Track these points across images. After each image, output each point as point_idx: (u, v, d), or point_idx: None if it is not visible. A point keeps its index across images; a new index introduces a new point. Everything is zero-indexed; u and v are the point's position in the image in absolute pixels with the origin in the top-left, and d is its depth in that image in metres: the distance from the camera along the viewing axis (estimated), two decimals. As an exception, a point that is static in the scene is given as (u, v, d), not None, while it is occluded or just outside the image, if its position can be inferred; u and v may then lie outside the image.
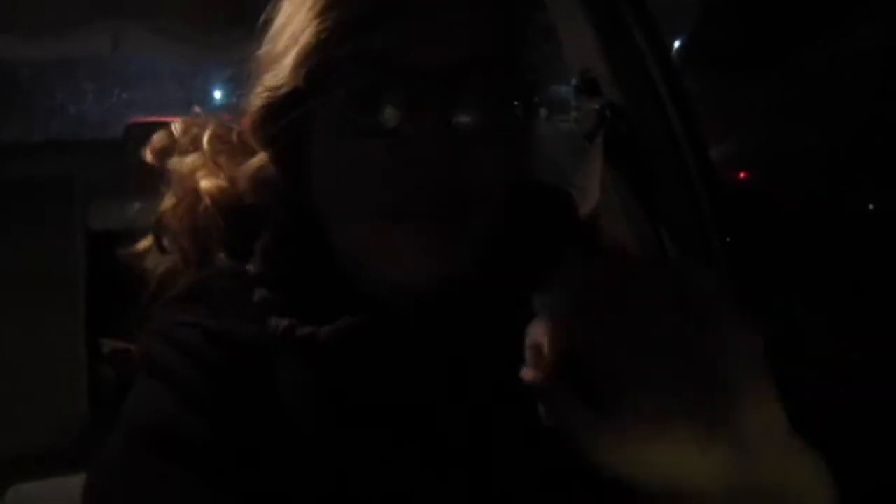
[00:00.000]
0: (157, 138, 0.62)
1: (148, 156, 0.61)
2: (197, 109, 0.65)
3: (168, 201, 0.60)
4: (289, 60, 0.51)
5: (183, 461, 0.48)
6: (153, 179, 0.62)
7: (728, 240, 1.11)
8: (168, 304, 0.57)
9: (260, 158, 0.56)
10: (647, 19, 1.10)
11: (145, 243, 0.61)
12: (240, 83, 0.57)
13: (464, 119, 0.48)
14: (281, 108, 0.52)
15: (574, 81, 1.17)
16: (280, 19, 0.54)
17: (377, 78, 0.48)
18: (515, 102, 0.51)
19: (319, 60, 0.49)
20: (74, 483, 0.85)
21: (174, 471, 0.48)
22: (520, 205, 0.55)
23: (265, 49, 0.55)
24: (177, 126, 0.62)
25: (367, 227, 0.50)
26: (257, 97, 0.54)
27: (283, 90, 0.51)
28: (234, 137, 0.61)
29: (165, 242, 0.59)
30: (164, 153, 0.61)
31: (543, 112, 0.55)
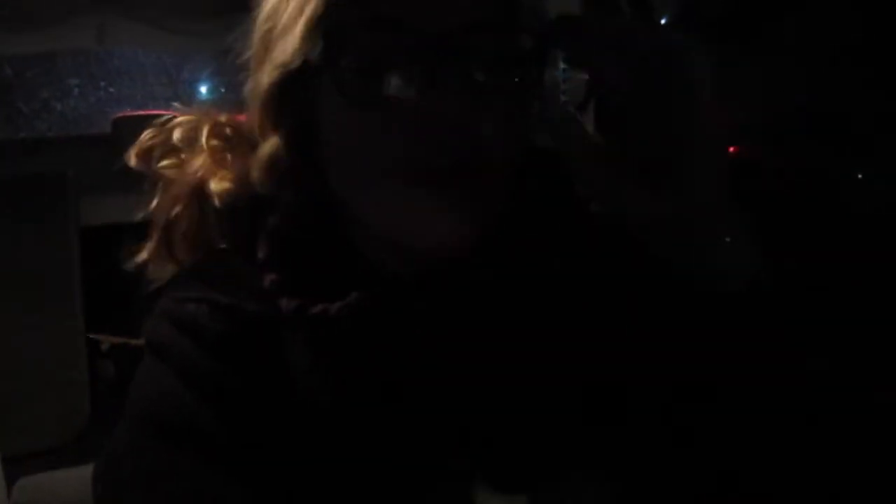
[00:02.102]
0: (143, 140, 0.60)
1: (133, 159, 0.59)
2: (177, 105, 0.63)
3: (170, 208, 0.58)
4: (297, 32, 0.50)
5: (188, 446, 0.48)
6: (143, 173, 0.61)
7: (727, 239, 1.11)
8: (174, 281, 0.56)
9: (271, 144, 0.55)
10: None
11: (147, 251, 0.59)
12: (227, 75, 0.56)
13: (480, 78, 0.49)
14: (292, 84, 0.51)
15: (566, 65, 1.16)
16: None
17: (392, 42, 0.48)
18: (525, 64, 0.51)
19: (331, 29, 0.49)
20: (79, 475, 0.86)
21: (180, 457, 0.48)
22: (528, 168, 0.55)
23: (267, 26, 0.53)
24: (177, 135, 0.60)
25: (389, 194, 0.50)
26: (267, 75, 0.52)
27: (294, 64, 0.50)
28: (228, 131, 0.60)
29: (176, 249, 0.58)
30: (151, 154, 0.59)
31: (550, 72, 0.55)
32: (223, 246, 0.57)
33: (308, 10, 0.49)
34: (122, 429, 0.51)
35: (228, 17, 0.58)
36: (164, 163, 0.59)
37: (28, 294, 2.02)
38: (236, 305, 0.53)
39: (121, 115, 2.91)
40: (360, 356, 0.52)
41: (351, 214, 0.54)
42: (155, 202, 0.59)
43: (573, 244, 0.58)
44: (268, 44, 0.53)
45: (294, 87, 0.51)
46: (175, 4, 2.71)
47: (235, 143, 0.59)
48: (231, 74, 0.58)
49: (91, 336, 2.22)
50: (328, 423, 0.51)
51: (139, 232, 0.60)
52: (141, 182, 0.60)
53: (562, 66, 0.53)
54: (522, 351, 0.53)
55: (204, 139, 0.59)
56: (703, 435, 0.55)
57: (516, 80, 0.51)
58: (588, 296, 0.57)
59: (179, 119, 0.60)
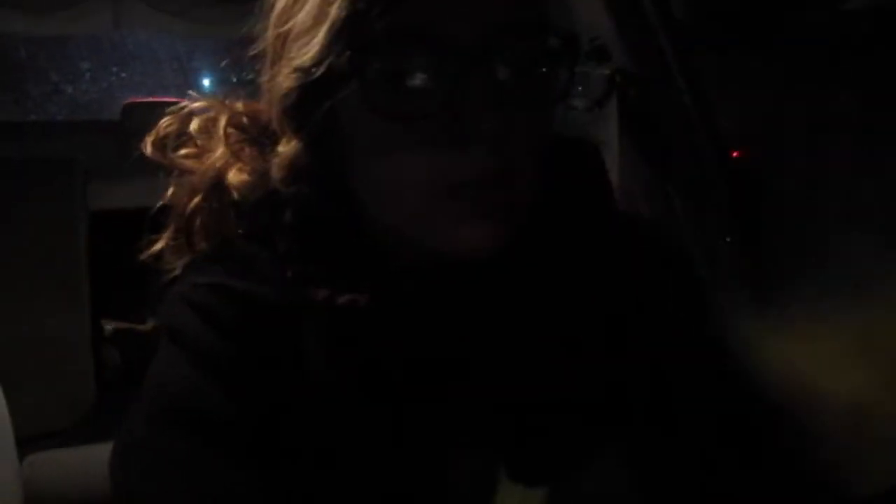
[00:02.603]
0: (160, 128, 0.59)
1: (148, 148, 0.58)
2: (192, 93, 0.61)
3: (189, 199, 0.57)
4: (319, 37, 0.47)
5: (204, 433, 0.48)
6: (153, 160, 0.61)
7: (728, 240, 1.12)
8: (190, 267, 0.56)
9: (292, 147, 0.53)
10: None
11: (164, 242, 0.58)
12: (237, 65, 0.56)
13: (509, 85, 0.48)
14: (314, 90, 0.49)
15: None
16: None
17: (420, 52, 0.47)
18: (555, 70, 0.50)
19: (357, 38, 0.46)
20: (87, 453, 0.88)
21: (195, 444, 0.48)
22: (552, 160, 0.54)
23: (282, 24, 0.51)
24: (194, 126, 0.59)
25: (419, 204, 0.49)
26: (286, 79, 0.50)
27: (316, 70, 0.48)
28: (246, 121, 0.59)
29: (196, 240, 0.57)
30: (167, 143, 0.59)
31: (574, 73, 0.54)
32: (244, 232, 0.56)
33: (332, 14, 0.47)
34: (137, 413, 0.51)
35: (241, 4, 0.57)
36: (182, 152, 0.58)
37: (35, 278, 2.02)
38: (253, 291, 0.52)
39: (131, 100, 2.92)
40: (383, 347, 0.52)
41: (373, 217, 0.53)
42: (171, 191, 0.58)
43: (601, 236, 0.58)
44: (284, 42, 0.51)
45: (315, 92, 0.49)
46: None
47: (254, 135, 0.58)
48: (242, 63, 0.58)
49: (97, 321, 2.23)
50: (346, 412, 0.51)
51: (148, 218, 0.59)
52: (150, 169, 0.60)
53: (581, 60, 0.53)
54: (547, 344, 0.54)
55: (221, 130, 0.58)
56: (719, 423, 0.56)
57: (546, 83, 0.50)
58: (612, 291, 0.57)
59: (196, 108, 0.59)
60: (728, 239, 1.15)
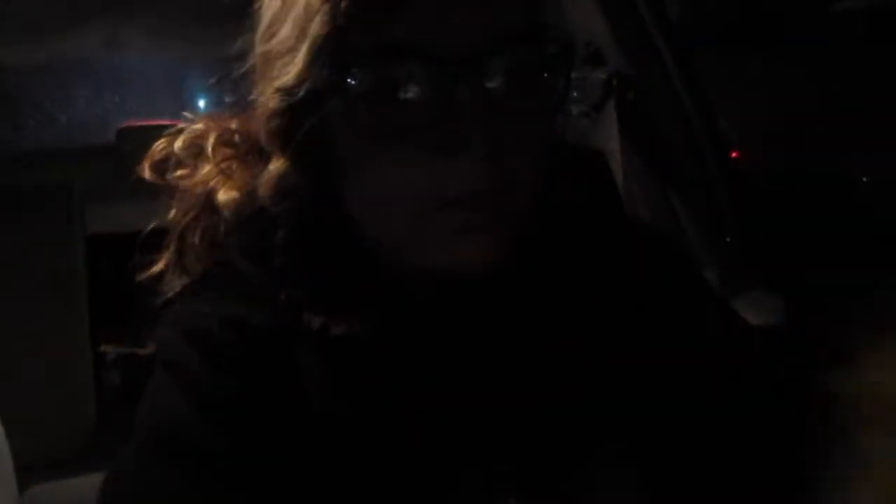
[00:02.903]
0: (155, 151, 0.58)
1: (146, 172, 0.58)
2: (187, 115, 0.61)
3: (182, 218, 0.57)
4: (301, 56, 0.47)
5: (192, 467, 0.47)
6: (147, 181, 0.60)
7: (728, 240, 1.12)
8: (183, 293, 0.55)
9: (279, 166, 0.53)
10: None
11: (161, 264, 0.58)
12: (228, 85, 0.56)
13: (503, 102, 0.46)
14: (299, 109, 0.48)
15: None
16: (272, 9, 0.50)
17: (405, 68, 0.45)
18: (551, 79, 0.49)
19: (337, 53, 0.45)
20: (88, 483, 0.87)
21: (183, 478, 0.47)
22: (556, 172, 0.53)
23: (265, 42, 0.51)
24: (179, 144, 0.58)
25: (411, 221, 0.48)
26: (270, 99, 0.49)
27: (300, 90, 0.47)
28: (237, 138, 0.58)
29: (188, 262, 0.56)
30: (163, 166, 0.58)
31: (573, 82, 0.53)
32: (236, 254, 0.55)
33: (312, 32, 0.46)
34: (130, 443, 0.50)
35: (234, 24, 0.57)
36: (178, 173, 0.58)
37: (34, 303, 2.02)
38: (247, 318, 0.51)
39: (125, 125, 2.93)
40: (381, 374, 0.50)
41: (367, 234, 0.52)
42: (172, 213, 0.58)
43: (610, 248, 0.57)
44: (267, 61, 0.50)
45: (300, 111, 0.48)
46: (180, 11, 2.73)
47: (244, 152, 0.57)
48: (239, 79, 0.58)
49: (97, 345, 2.23)
50: (346, 440, 0.50)
51: (145, 241, 0.59)
52: (146, 191, 0.60)
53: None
54: (556, 361, 0.53)
55: (210, 148, 0.57)
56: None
57: (542, 91, 0.49)
58: (622, 304, 0.56)
59: (188, 128, 0.59)
60: (728, 239, 1.14)
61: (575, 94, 1.13)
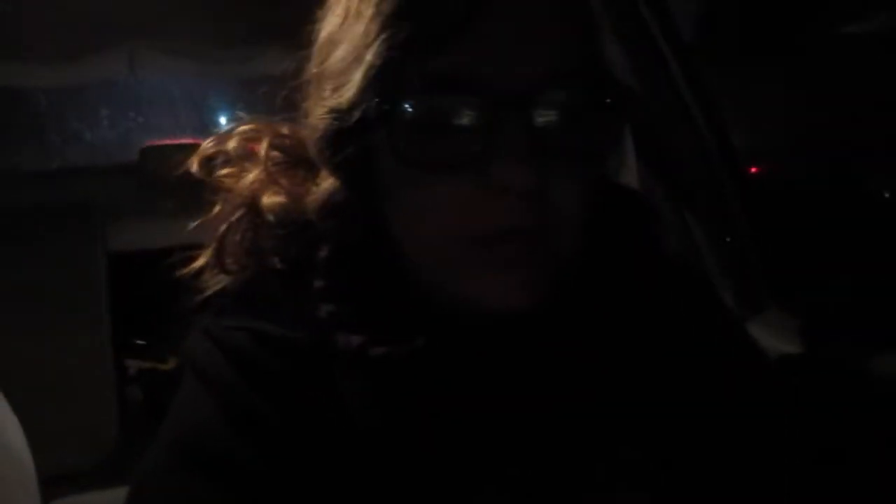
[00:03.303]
0: (204, 148, 0.58)
1: (194, 167, 0.58)
2: (212, 131, 0.61)
3: (225, 218, 0.56)
4: (355, 81, 0.47)
5: (221, 481, 0.46)
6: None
7: (728, 240, 1.11)
8: (219, 306, 0.54)
9: (330, 183, 0.53)
10: (661, 6, 1.11)
11: (201, 261, 0.57)
12: (248, 105, 0.56)
13: (550, 142, 0.46)
14: (349, 133, 0.48)
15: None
16: (330, 28, 0.50)
17: (457, 102, 0.45)
18: (602, 122, 0.48)
19: (391, 82, 0.45)
20: (110, 497, 0.88)
21: (210, 491, 0.46)
22: (602, 214, 0.53)
23: (319, 62, 0.51)
24: (231, 143, 0.58)
25: (449, 254, 0.47)
26: (321, 120, 0.50)
27: (353, 114, 0.47)
28: (288, 143, 0.58)
29: (228, 261, 0.56)
30: (212, 163, 0.58)
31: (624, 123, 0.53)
32: (276, 266, 0.55)
33: (368, 59, 0.46)
34: (155, 450, 0.49)
35: (253, 46, 0.58)
36: (223, 172, 0.58)
37: (57, 320, 2.05)
38: (283, 335, 0.50)
39: (148, 144, 2.97)
40: (418, 399, 0.49)
41: (408, 260, 0.51)
42: (216, 210, 0.58)
43: (650, 291, 0.56)
44: (320, 80, 0.51)
45: (350, 135, 0.48)
46: (201, 33, 2.78)
47: (294, 160, 0.57)
48: (255, 102, 0.58)
49: (119, 361, 2.25)
50: (380, 461, 0.49)
51: (166, 259, 0.59)
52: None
53: None
54: (582, 407, 0.52)
55: (264, 150, 0.57)
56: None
57: (591, 137, 0.48)
58: (659, 353, 0.55)
59: (240, 129, 0.59)
60: (728, 239, 1.13)
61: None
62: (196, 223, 0.58)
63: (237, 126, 0.59)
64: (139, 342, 2.32)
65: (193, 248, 0.58)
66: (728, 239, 1.12)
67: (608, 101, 0.48)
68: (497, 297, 0.48)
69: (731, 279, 1.11)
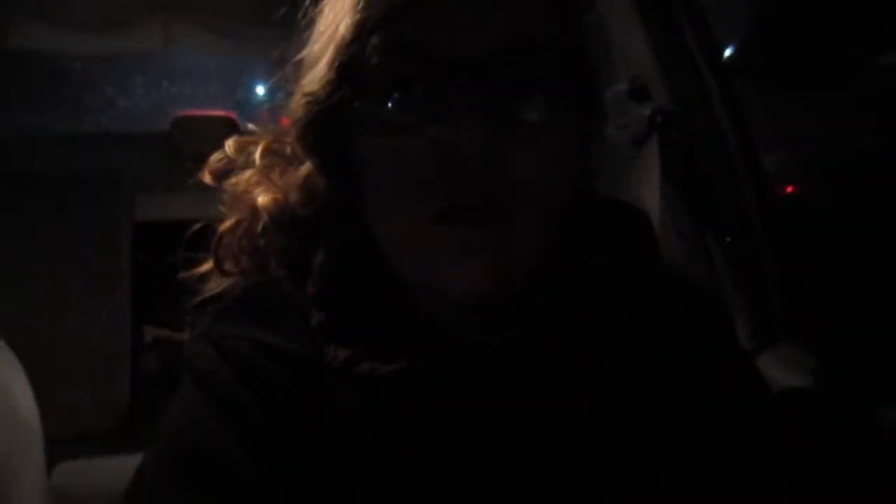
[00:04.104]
0: (215, 159, 0.60)
1: (206, 177, 0.59)
2: (247, 124, 0.63)
3: (226, 222, 0.58)
4: (324, 61, 0.49)
5: (214, 485, 0.46)
6: (198, 172, 0.62)
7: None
8: (219, 314, 0.54)
9: (307, 167, 0.54)
10: (701, 23, 1.09)
11: (206, 266, 0.58)
12: (279, 82, 0.56)
13: (507, 109, 0.45)
14: (321, 112, 0.50)
15: (623, 87, 1.16)
16: (319, 23, 0.52)
17: (413, 67, 0.46)
18: (567, 96, 0.47)
19: (353, 54, 0.47)
20: (117, 463, 0.88)
21: (203, 495, 0.45)
22: (592, 223, 0.53)
23: (304, 53, 0.53)
24: (230, 144, 0.60)
25: (411, 229, 0.48)
26: (297, 105, 0.51)
27: (321, 93, 0.49)
28: (288, 149, 0.59)
29: (227, 265, 0.57)
30: (223, 174, 0.59)
31: (604, 111, 0.52)
32: (276, 272, 0.56)
33: (336, 38, 0.48)
34: (152, 451, 0.49)
35: (286, 25, 0.58)
36: (232, 181, 0.59)
37: (78, 284, 2.07)
38: (282, 346, 0.51)
39: (180, 114, 2.99)
40: (404, 413, 0.49)
41: (385, 249, 0.51)
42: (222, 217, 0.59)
43: (643, 312, 0.55)
44: (303, 70, 0.52)
45: (322, 114, 0.50)
46: (235, 10, 2.79)
47: (290, 162, 0.58)
48: (284, 81, 0.59)
49: (137, 329, 2.28)
50: (369, 474, 0.48)
51: (196, 233, 0.60)
52: (197, 181, 0.61)
53: (620, 88, 0.50)
54: (576, 423, 0.51)
55: (257, 155, 0.58)
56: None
57: (557, 114, 0.47)
58: (656, 365, 0.54)
59: (238, 140, 0.60)
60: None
61: (618, 127, 1.12)
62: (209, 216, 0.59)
63: (234, 125, 0.61)
64: (158, 312, 2.34)
65: (219, 222, 0.59)
66: (748, 266, 1.09)
67: (570, 74, 0.48)
68: (458, 282, 0.47)
69: (747, 307, 1.08)
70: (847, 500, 0.61)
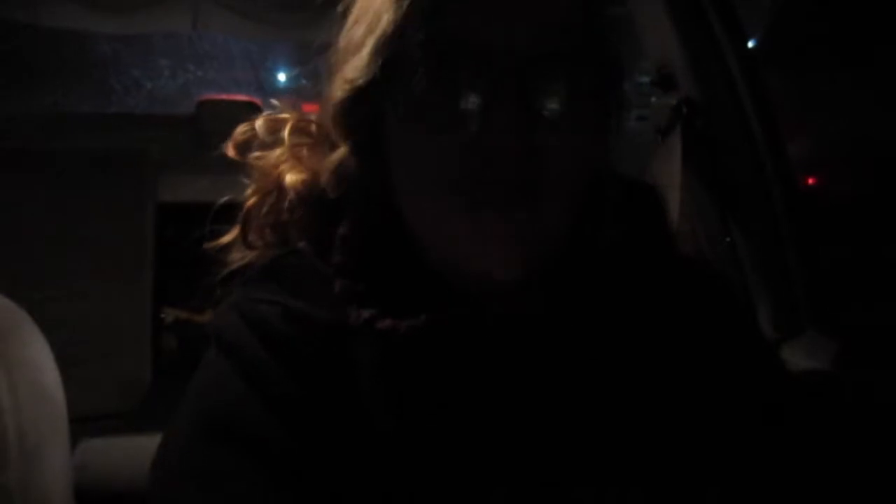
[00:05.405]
0: (240, 132, 0.61)
1: (230, 150, 0.61)
2: (274, 102, 0.64)
3: (252, 196, 0.59)
4: (367, 50, 0.49)
5: (246, 451, 0.47)
6: (222, 155, 0.62)
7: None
8: (246, 281, 0.55)
9: (341, 152, 0.55)
10: (728, 12, 1.07)
11: (229, 236, 0.60)
12: (307, 67, 0.57)
13: (544, 103, 0.47)
14: (360, 99, 0.51)
15: (645, 79, 1.15)
16: (356, 9, 0.53)
17: (454, 62, 0.47)
18: (598, 89, 0.49)
19: (397, 47, 0.48)
20: (139, 441, 0.89)
21: (236, 461, 0.47)
22: (607, 199, 0.54)
23: (343, 40, 0.54)
24: (260, 122, 0.61)
25: (446, 216, 0.49)
26: (338, 90, 0.52)
27: (361, 81, 0.50)
28: (314, 129, 0.60)
29: (251, 237, 0.58)
30: (245, 146, 0.61)
31: (626, 105, 0.53)
32: (301, 245, 0.57)
33: (378, 30, 0.49)
34: (181, 420, 0.50)
35: (312, 10, 0.58)
36: (255, 154, 0.60)
37: (102, 264, 2.09)
38: (308, 312, 0.52)
39: (205, 97, 3.02)
40: (424, 374, 0.50)
41: (418, 232, 0.53)
42: (248, 191, 0.60)
43: (660, 285, 0.56)
44: (342, 57, 0.53)
45: (362, 102, 0.51)
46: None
47: (317, 140, 0.60)
48: (315, 66, 0.59)
49: (158, 309, 2.30)
50: (389, 439, 0.49)
51: (216, 214, 0.61)
52: (220, 164, 0.62)
53: (639, 80, 0.51)
54: (589, 388, 0.52)
55: (286, 133, 0.60)
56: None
57: (588, 106, 0.49)
58: (668, 344, 0.55)
59: (267, 117, 0.62)
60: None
61: (637, 118, 1.11)
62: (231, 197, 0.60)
63: (259, 108, 0.62)
64: (179, 293, 2.37)
65: (242, 203, 0.60)
66: (773, 256, 1.07)
67: (599, 70, 0.50)
68: (488, 268, 0.49)
69: (773, 297, 1.07)
70: (864, 484, 0.61)
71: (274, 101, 0.63)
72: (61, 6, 2.80)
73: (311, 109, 0.62)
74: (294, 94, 0.64)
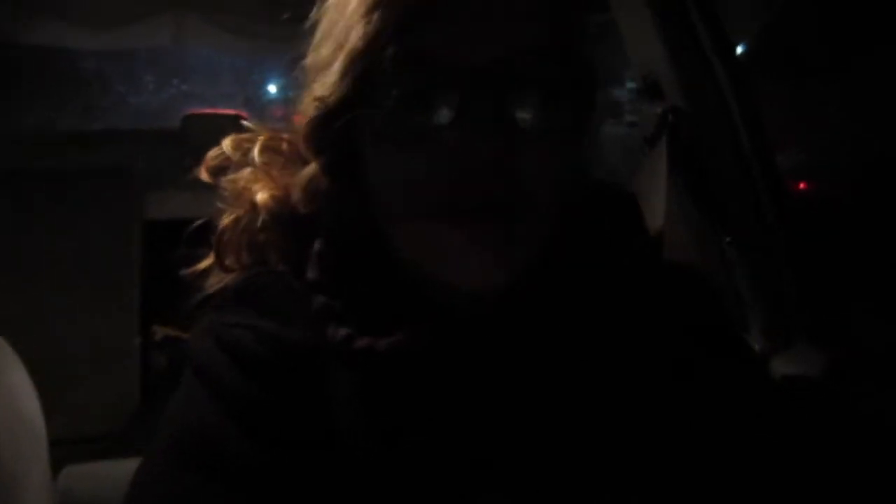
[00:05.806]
0: (211, 156, 0.61)
1: (203, 175, 0.60)
2: (248, 123, 0.63)
3: (226, 218, 0.58)
4: (336, 67, 0.49)
5: (220, 479, 0.47)
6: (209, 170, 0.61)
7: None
8: (220, 304, 0.55)
9: (311, 168, 0.55)
10: (714, 19, 1.07)
11: (207, 262, 0.59)
12: (293, 80, 0.56)
13: (517, 115, 0.47)
14: (332, 117, 0.51)
15: (634, 84, 1.15)
16: (324, 25, 0.53)
17: (426, 77, 0.47)
18: (570, 99, 0.49)
19: (367, 64, 0.48)
20: (124, 466, 0.87)
21: (209, 489, 0.47)
22: (582, 206, 0.54)
23: (311, 56, 0.54)
24: (227, 143, 0.61)
25: (423, 230, 0.49)
26: (308, 107, 0.53)
27: (333, 99, 0.50)
28: (285, 147, 0.60)
29: (227, 261, 0.58)
30: (220, 170, 0.60)
31: (600, 112, 0.53)
32: (275, 264, 0.57)
33: (348, 46, 0.49)
34: (156, 444, 0.50)
35: (298, 24, 0.57)
36: (227, 177, 0.60)
37: (88, 281, 2.07)
38: (282, 333, 0.52)
39: (190, 112, 3.00)
40: (402, 392, 0.50)
41: (392, 246, 0.53)
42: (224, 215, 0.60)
43: (632, 289, 0.56)
44: (311, 74, 0.53)
45: (333, 120, 0.51)
46: (247, 7, 2.78)
47: (288, 158, 0.59)
48: (296, 80, 0.58)
49: (146, 328, 2.28)
50: (366, 460, 0.49)
51: (201, 229, 0.60)
52: (206, 180, 0.61)
53: (629, 86, 0.51)
54: (568, 398, 0.52)
55: (256, 153, 0.59)
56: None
57: (561, 117, 0.49)
58: (641, 346, 0.55)
59: (235, 138, 0.61)
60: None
61: (628, 124, 1.10)
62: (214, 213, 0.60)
63: (241, 123, 0.62)
64: (167, 311, 2.34)
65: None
66: (762, 265, 1.07)
67: (575, 80, 0.49)
68: (470, 278, 0.49)
69: (762, 307, 1.06)
70: (848, 492, 0.60)
71: (258, 116, 0.62)
72: (42, 24, 2.79)
73: (302, 121, 0.61)
74: (284, 105, 0.63)
